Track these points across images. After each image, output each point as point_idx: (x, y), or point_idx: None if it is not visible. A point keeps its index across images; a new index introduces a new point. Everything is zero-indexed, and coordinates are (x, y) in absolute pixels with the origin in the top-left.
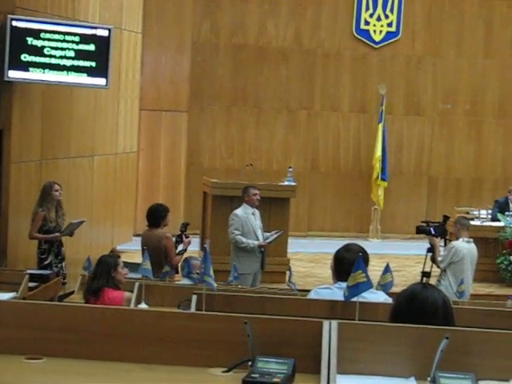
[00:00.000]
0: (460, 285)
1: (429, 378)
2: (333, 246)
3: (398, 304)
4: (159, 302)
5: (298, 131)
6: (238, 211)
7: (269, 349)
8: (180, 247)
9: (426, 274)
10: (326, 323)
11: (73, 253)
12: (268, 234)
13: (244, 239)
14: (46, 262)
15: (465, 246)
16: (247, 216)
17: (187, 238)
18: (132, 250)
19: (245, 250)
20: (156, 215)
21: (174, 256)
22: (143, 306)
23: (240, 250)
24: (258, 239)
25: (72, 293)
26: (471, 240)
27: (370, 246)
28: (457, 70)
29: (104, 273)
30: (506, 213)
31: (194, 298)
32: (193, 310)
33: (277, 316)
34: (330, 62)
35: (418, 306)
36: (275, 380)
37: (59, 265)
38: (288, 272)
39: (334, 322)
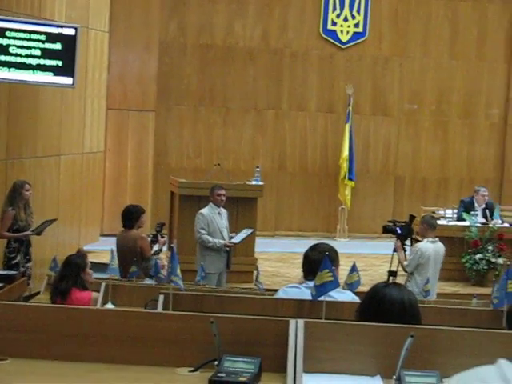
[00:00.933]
0: (425, 284)
1: (394, 377)
2: (300, 245)
3: (361, 303)
4: (126, 302)
5: (266, 131)
6: (204, 210)
7: (235, 348)
8: (155, 247)
9: (392, 273)
10: (292, 322)
11: (39, 253)
12: (234, 234)
13: (210, 238)
14: (14, 262)
15: (430, 247)
16: (213, 215)
17: (163, 237)
18: (99, 250)
19: (211, 249)
20: (130, 216)
21: (149, 250)
22: (110, 306)
23: (206, 249)
24: (223, 239)
25: (38, 293)
26: (437, 239)
27: (338, 245)
28: (423, 70)
29: (73, 274)
30: (472, 212)
31: (161, 297)
32: (160, 309)
33: (244, 315)
34: (298, 62)
35: (377, 304)
36: (241, 379)
37: (26, 265)
38: (255, 271)
39: (301, 321)
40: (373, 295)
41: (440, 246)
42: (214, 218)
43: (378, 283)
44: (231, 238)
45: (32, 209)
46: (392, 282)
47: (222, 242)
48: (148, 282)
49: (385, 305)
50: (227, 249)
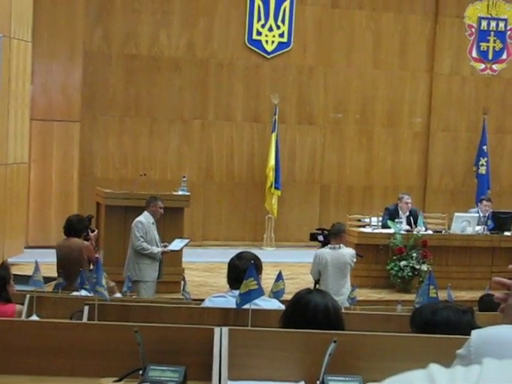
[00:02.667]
0: (352, 291)
1: (318, 382)
2: (228, 255)
3: (286, 310)
4: (51, 315)
5: (192, 141)
6: (142, 219)
7: (160, 357)
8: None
9: (318, 282)
10: (217, 330)
11: None
12: (167, 244)
13: (149, 246)
14: None
15: (326, 253)
16: (149, 225)
17: (93, 232)
18: (23, 263)
19: (147, 257)
20: (72, 224)
21: (94, 256)
22: (35, 318)
23: (143, 257)
24: (158, 247)
25: None
26: (338, 246)
27: (265, 254)
28: (347, 79)
29: None
30: (396, 220)
31: (86, 308)
32: (85, 321)
33: (170, 324)
34: (223, 72)
35: (300, 310)
36: None
37: None
38: (182, 281)
39: (225, 329)
40: (296, 302)
41: (342, 252)
42: (151, 228)
43: (301, 290)
44: (164, 247)
45: None
46: (315, 289)
47: (159, 249)
48: (84, 293)
49: (309, 311)
50: (160, 258)
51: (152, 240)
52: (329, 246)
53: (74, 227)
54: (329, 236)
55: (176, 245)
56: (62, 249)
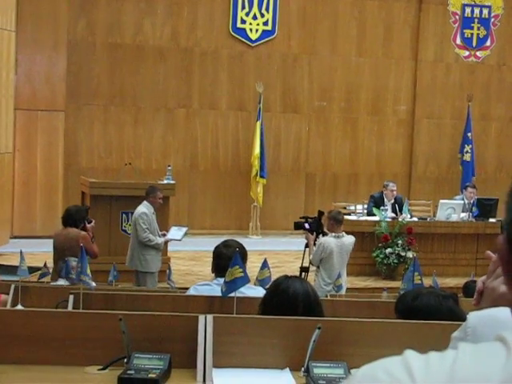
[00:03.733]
0: (337, 278)
1: (303, 368)
2: (213, 243)
3: (264, 296)
4: (36, 304)
5: (177, 130)
6: (145, 210)
7: (145, 345)
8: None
9: (304, 269)
10: (201, 317)
11: None
12: (165, 232)
13: (154, 237)
14: None
15: (331, 241)
16: (151, 215)
17: (90, 222)
18: (9, 253)
19: (153, 248)
20: (70, 215)
21: (92, 246)
22: (20, 308)
23: (148, 248)
24: (158, 236)
25: None
26: (341, 234)
27: (250, 242)
28: (331, 68)
29: None
30: (381, 207)
31: (71, 297)
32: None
33: (155, 313)
34: (208, 60)
35: (280, 297)
36: (151, 376)
37: None
38: (167, 270)
39: (210, 316)
40: (275, 287)
41: (346, 241)
42: (152, 218)
43: (279, 276)
44: (163, 235)
45: None
46: (293, 276)
47: (163, 239)
48: (63, 282)
49: (289, 296)
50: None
51: (154, 231)
52: (333, 234)
53: (72, 217)
54: (330, 224)
55: (175, 233)
56: (58, 238)
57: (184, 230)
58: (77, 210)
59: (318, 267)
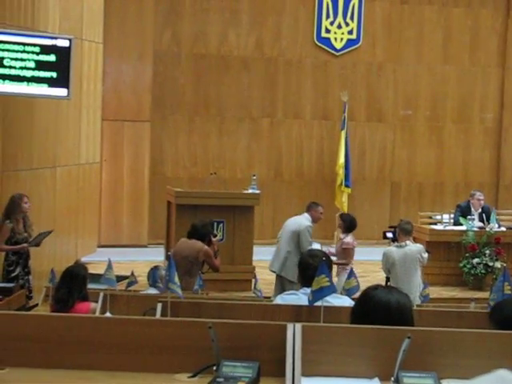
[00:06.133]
0: (424, 289)
1: (392, 378)
2: None
3: (354, 306)
4: (124, 312)
5: (261, 139)
6: (310, 223)
7: (234, 353)
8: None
9: (389, 279)
10: (290, 326)
11: (36, 265)
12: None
13: None
14: (14, 274)
15: (393, 251)
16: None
17: (215, 236)
18: (96, 261)
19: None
20: (198, 231)
21: (214, 261)
22: (108, 315)
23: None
24: None
25: (36, 305)
26: (405, 244)
27: None
28: (417, 76)
29: (77, 286)
30: (468, 217)
31: (159, 306)
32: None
33: (244, 321)
34: (292, 70)
35: (372, 307)
36: None
37: (25, 277)
38: (253, 280)
39: (298, 325)
40: (367, 298)
41: (409, 250)
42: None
43: (369, 287)
44: None
45: (31, 221)
46: (383, 285)
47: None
48: (151, 291)
49: (369, 306)
50: None
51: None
52: (395, 244)
53: (199, 232)
54: (398, 233)
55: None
56: (181, 245)
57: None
58: (203, 224)
59: (389, 278)
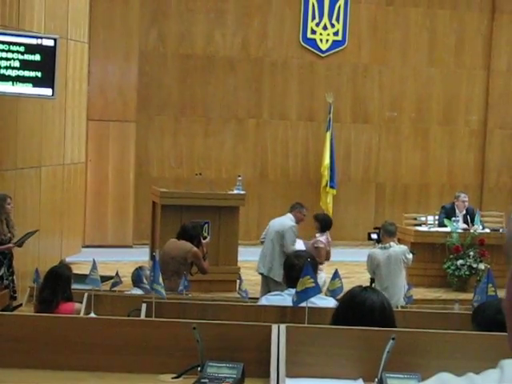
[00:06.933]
0: (408, 290)
1: (376, 379)
2: None
3: (338, 307)
4: (109, 313)
5: (247, 140)
6: (294, 223)
7: (218, 354)
8: None
9: (374, 280)
10: (274, 327)
11: (20, 265)
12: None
13: None
14: None
15: (377, 253)
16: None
17: (205, 239)
18: (81, 262)
19: None
20: (188, 232)
21: (202, 263)
22: (93, 316)
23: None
24: None
25: (20, 305)
26: (389, 245)
27: None
28: (402, 78)
29: (61, 286)
30: (453, 218)
31: (144, 306)
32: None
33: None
34: (278, 71)
35: (356, 308)
36: None
37: (10, 278)
38: (238, 280)
39: (283, 326)
40: (351, 299)
41: (393, 251)
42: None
43: (354, 287)
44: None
45: (14, 222)
46: (368, 287)
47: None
48: (136, 291)
49: (366, 308)
50: None
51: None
52: (379, 245)
53: (188, 233)
54: (382, 234)
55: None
56: (168, 245)
57: (300, 242)
58: (193, 226)
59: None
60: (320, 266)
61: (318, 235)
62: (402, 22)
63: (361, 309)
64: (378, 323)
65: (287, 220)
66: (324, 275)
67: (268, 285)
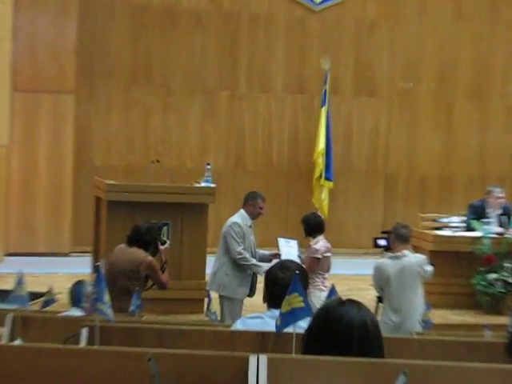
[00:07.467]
0: (425, 312)
1: None
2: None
3: (310, 325)
4: (39, 339)
5: (218, 118)
6: (238, 220)
7: None
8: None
9: (381, 299)
10: (252, 358)
11: None
12: (277, 253)
13: (251, 258)
14: None
15: (389, 264)
16: (246, 228)
17: (163, 244)
18: (3, 274)
19: (242, 269)
20: (142, 236)
21: (160, 276)
22: (19, 343)
23: (236, 269)
24: (254, 257)
25: None
26: (402, 254)
27: None
28: (420, 36)
29: None
30: (484, 220)
31: (84, 331)
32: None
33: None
34: (259, 28)
35: (330, 327)
36: None
37: None
38: (206, 299)
39: (263, 357)
40: (325, 315)
41: (408, 262)
42: (248, 232)
43: (330, 300)
44: (274, 257)
45: None
46: (348, 299)
47: (264, 267)
48: (73, 312)
49: (342, 327)
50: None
51: (249, 248)
52: (389, 254)
53: (142, 237)
54: (393, 240)
55: (287, 253)
56: (118, 256)
57: (292, 242)
58: (148, 227)
59: (381, 298)
60: (323, 281)
61: (312, 242)
62: None
63: (336, 327)
64: (355, 346)
65: (232, 218)
66: (325, 294)
67: (222, 304)
